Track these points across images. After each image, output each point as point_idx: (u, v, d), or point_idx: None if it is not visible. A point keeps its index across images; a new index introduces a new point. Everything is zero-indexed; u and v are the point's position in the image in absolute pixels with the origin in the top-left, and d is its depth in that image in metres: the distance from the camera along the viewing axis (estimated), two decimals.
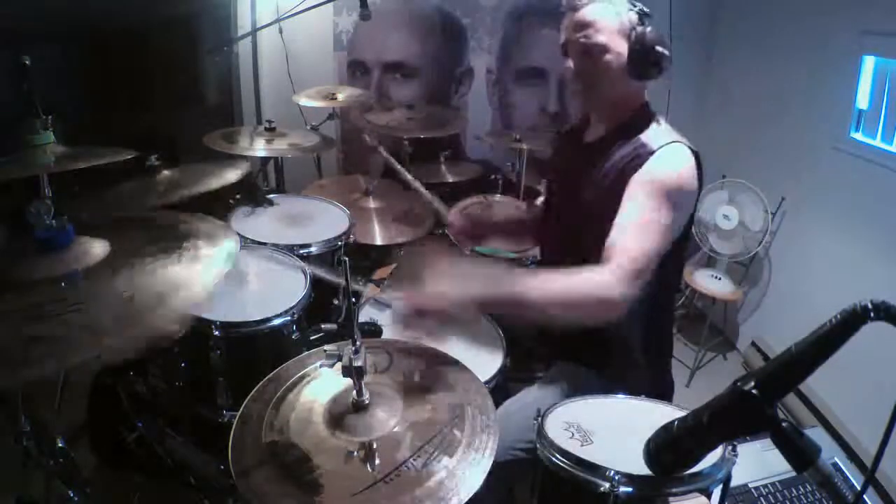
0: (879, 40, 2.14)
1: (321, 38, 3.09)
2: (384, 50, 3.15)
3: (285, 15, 2.41)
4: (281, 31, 2.88)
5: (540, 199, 1.80)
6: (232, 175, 1.75)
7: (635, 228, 1.28)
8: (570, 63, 1.41)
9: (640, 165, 1.33)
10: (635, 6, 1.37)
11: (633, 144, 1.37)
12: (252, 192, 2.01)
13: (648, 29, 1.34)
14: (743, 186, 2.70)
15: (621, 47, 1.36)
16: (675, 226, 1.32)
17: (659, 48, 1.33)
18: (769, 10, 2.74)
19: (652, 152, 1.33)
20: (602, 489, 1.02)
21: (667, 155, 1.33)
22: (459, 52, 3.21)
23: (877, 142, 2.23)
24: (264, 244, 1.82)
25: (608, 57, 1.36)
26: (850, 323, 0.67)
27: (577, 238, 1.49)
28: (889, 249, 2.12)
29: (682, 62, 3.08)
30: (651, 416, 1.22)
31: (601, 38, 1.36)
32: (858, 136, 2.30)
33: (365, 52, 3.15)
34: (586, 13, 1.37)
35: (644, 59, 1.34)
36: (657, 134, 1.37)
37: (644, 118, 1.42)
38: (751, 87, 2.88)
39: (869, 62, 2.23)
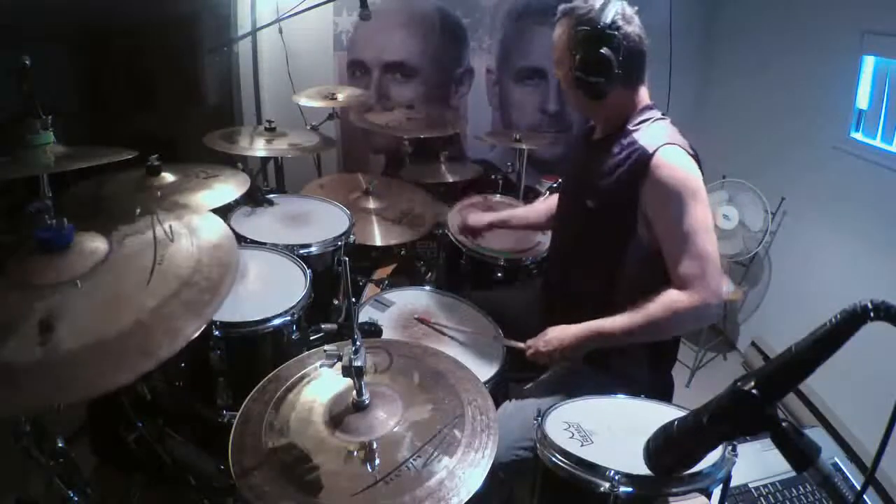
0: (879, 40, 2.14)
1: (321, 38, 3.09)
2: (384, 50, 3.15)
3: (285, 15, 2.41)
4: (281, 31, 2.88)
5: (542, 198, 1.81)
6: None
7: (688, 238, 1.30)
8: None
9: (639, 169, 1.33)
10: (585, 20, 1.33)
11: (628, 144, 1.38)
12: (252, 192, 2.01)
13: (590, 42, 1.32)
14: (743, 186, 2.70)
15: (567, 65, 1.38)
16: (710, 219, 1.36)
17: (595, 67, 1.32)
18: (769, 10, 2.74)
19: (648, 154, 1.33)
20: (602, 489, 1.02)
21: (672, 159, 1.33)
22: (459, 52, 3.21)
23: (877, 142, 2.23)
24: (264, 244, 1.82)
25: (559, 75, 1.45)
26: (850, 323, 0.67)
27: (580, 235, 1.51)
28: (889, 249, 2.12)
29: (681, 62, 3.11)
30: (651, 416, 1.21)
31: (555, 58, 1.44)
32: (858, 136, 2.30)
33: (365, 52, 3.15)
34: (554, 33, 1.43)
35: (583, 76, 1.34)
36: (650, 134, 1.38)
37: (639, 119, 1.42)
38: (751, 86, 2.88)
39: (869, 62, 2.23)
